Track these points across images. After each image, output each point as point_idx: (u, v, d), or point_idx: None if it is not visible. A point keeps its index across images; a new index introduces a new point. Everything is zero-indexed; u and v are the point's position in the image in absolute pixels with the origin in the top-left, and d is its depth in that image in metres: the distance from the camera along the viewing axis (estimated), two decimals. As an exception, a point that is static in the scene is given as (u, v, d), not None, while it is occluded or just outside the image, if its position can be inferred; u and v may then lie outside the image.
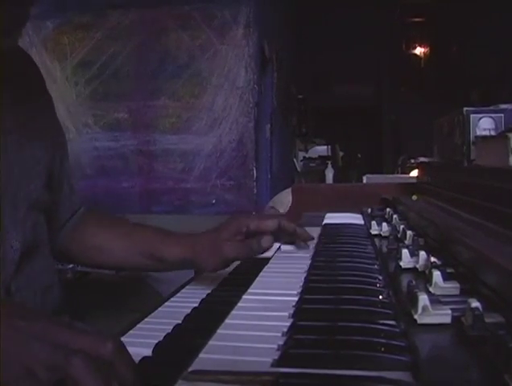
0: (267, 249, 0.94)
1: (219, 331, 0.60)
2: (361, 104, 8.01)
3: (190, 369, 0.49)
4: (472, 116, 1.23)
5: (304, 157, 6.43)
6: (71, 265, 2.59)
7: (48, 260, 1.02)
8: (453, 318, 0.56)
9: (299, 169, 6.04)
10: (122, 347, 0.51)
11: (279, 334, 0.57)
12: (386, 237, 1.11)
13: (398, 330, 0.57)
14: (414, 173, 2.49)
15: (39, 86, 1.07)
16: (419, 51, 7.99)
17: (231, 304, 0.71)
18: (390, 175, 3.62)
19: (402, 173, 3.80)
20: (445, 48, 7.53)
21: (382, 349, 0.51)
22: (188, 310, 0.73)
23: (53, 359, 0.48)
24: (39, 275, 0.96)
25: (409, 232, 1.00)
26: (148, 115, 4.13)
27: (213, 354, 0.53)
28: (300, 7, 6.94)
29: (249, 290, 0.76)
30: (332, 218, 1.44)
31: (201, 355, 0.53)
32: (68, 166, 1.12)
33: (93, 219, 1.15)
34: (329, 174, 5.68)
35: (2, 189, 0.87)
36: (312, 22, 7.25)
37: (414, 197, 1.53)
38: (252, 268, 0.95)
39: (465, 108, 1.23)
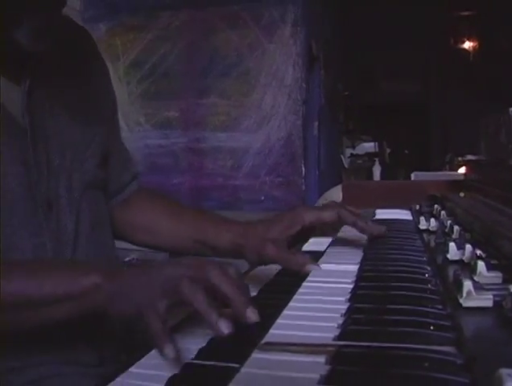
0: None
1: (285, 312, 0.68)
2: (409, 100, 7.97)
3: (263, 341, 0.58)
4: (518, 115, 1.27)
5: (351, 154, 6.45)
6: (128, 258, 2.72)
7: (109, 241, 1.03)
8: (495, 302, 0.62)
9: (346, 166, 6.07)
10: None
11: (338, 315, 0.65)
12: (433, 232, 1.17)
13: (444, 312, 0.63)
14: (462, 170, 2.52)
15: (91, 55, 1.06)
16: (467, 45, 7.89)
17: (292, 291, 0.78)
18: (438, 172, 3.63)
19: (450, 170, 3.81)
20: (495, 43, 7.43)
21: (431, 327, 0.58)
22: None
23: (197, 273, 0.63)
24: (98, 255, 0.96)
25: (456, 227, 1.05)
26: (198, 113, 4.21)
27: (281, 330, 0.61)
28: (348, 4, 6.96)
29: (308, 278, 0.84)
30: (382, 214, 1.50)
31: (271, 331, 0.61)
32: (119, 137, 1.12)
33: (145, 198, 1.14)
34: (376, 171, 5.69)
35: (57, 173, 0.90)
36: (360, 18, 7.26)
37: (462, 194, 1.58)
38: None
39: (511, 109, 1.28)
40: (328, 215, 1.01)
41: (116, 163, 1.10)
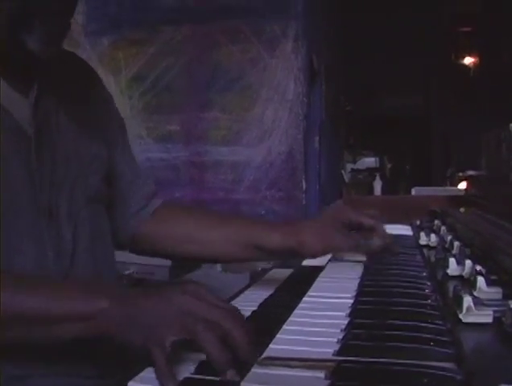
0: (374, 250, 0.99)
1: (284, 327, 0.68)
2: (410, 115, 7.99)
3: (262, 356, 0.57)
4: (518, 131, 1.28)
5: (352, 168, 6.45)
6: (127, 272, 2.70)
7: (109, 254, 1.03)
8: (495, 318, 0.62)
9: (347, 180, 6.07)
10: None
11: (338, 330, 0.65)
12: (433, 247, 1.17)
13: (444, 328, 0.63)
14: (463, 185, 2.52)
15: (94, 85, 1.07)
16: (468, 60, 7.91)
17: (292, 306, 0.78)
18: (439, 188, 3.64)
19: (451, 185, 3.82)
20: (495, 58, 7.45)
21: (430, 343, 0.58)
22: (248, 313, 0.79)
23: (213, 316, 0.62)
24: (98, 266, 0.96)
25: (456, 243, 1.05)
26: (199, 127, 4.21)
27: (281, 345, 0.61)
28: (349, 19, 7.00)
29: (309, 293, 0.84)
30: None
31: (271, 346, 0.61)
32: (130, 157, 1.11)
33: (178, 210, 1.13)
34: (377, 186, 5.68)
35: (59, 184, 0.90)
36: (361, 33, 7.30)
37: (462, 209, 1.58)
38: (307, 275, 1.01)
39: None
40: (370, 219, 1.03)
41: (131, 180, 1.10)
